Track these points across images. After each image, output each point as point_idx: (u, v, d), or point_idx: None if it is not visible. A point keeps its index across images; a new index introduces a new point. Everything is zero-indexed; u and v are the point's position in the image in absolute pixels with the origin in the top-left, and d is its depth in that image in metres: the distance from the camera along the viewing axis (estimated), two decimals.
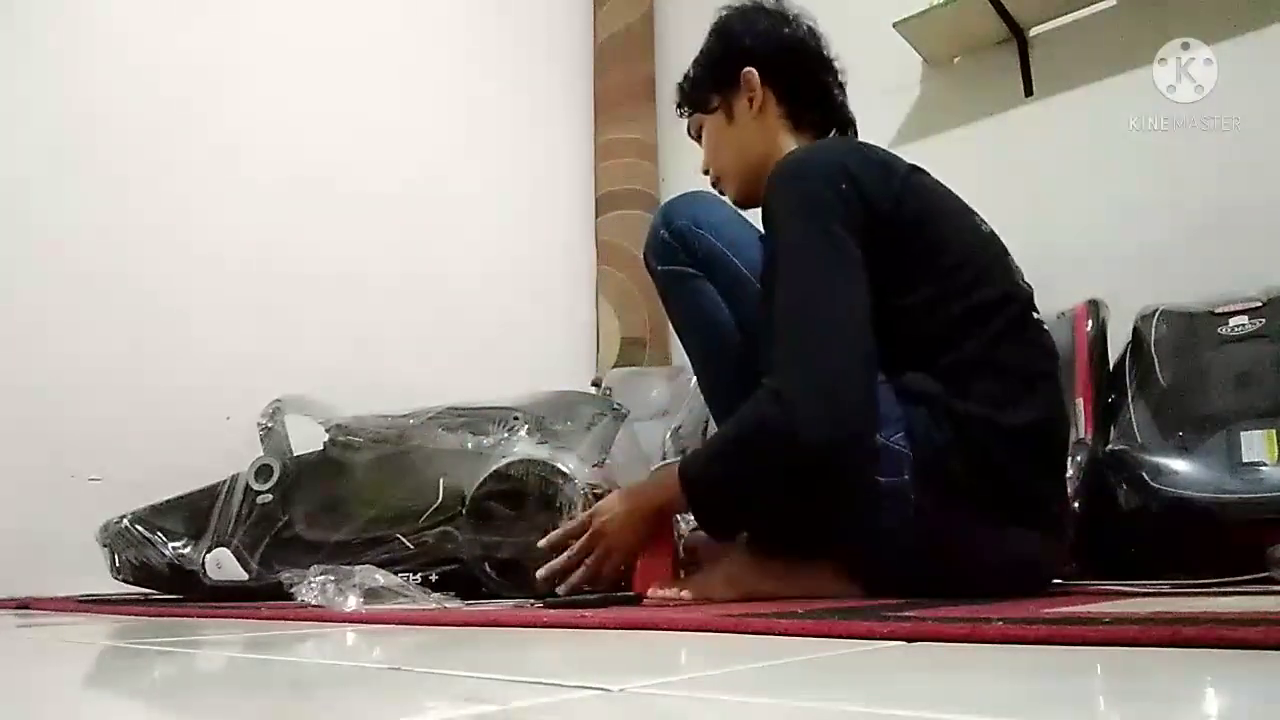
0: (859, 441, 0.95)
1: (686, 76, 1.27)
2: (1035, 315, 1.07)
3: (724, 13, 1.25)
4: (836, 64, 1.24)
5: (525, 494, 1.37)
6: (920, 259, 1.01)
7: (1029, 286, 1.09)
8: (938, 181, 1.11)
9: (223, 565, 1.50)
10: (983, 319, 1.00)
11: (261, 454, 1.57)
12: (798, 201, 1.02)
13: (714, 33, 1.25)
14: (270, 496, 1.53)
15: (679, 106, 1.29)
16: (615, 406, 1.59)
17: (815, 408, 0.93)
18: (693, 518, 1.11)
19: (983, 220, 1.11)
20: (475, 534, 1.38)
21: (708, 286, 1.07)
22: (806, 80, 1.21)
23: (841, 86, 1.24)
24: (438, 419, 1.53)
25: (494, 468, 1.39)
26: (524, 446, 1.42)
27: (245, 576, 1.49)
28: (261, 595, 1.44)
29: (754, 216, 1.14)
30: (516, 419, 1.48)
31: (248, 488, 1.55)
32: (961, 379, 0.97)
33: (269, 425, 1.61)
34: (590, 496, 1.31)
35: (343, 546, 1.44)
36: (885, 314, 0.99)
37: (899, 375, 0.99)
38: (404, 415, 1.56)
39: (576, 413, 1.52)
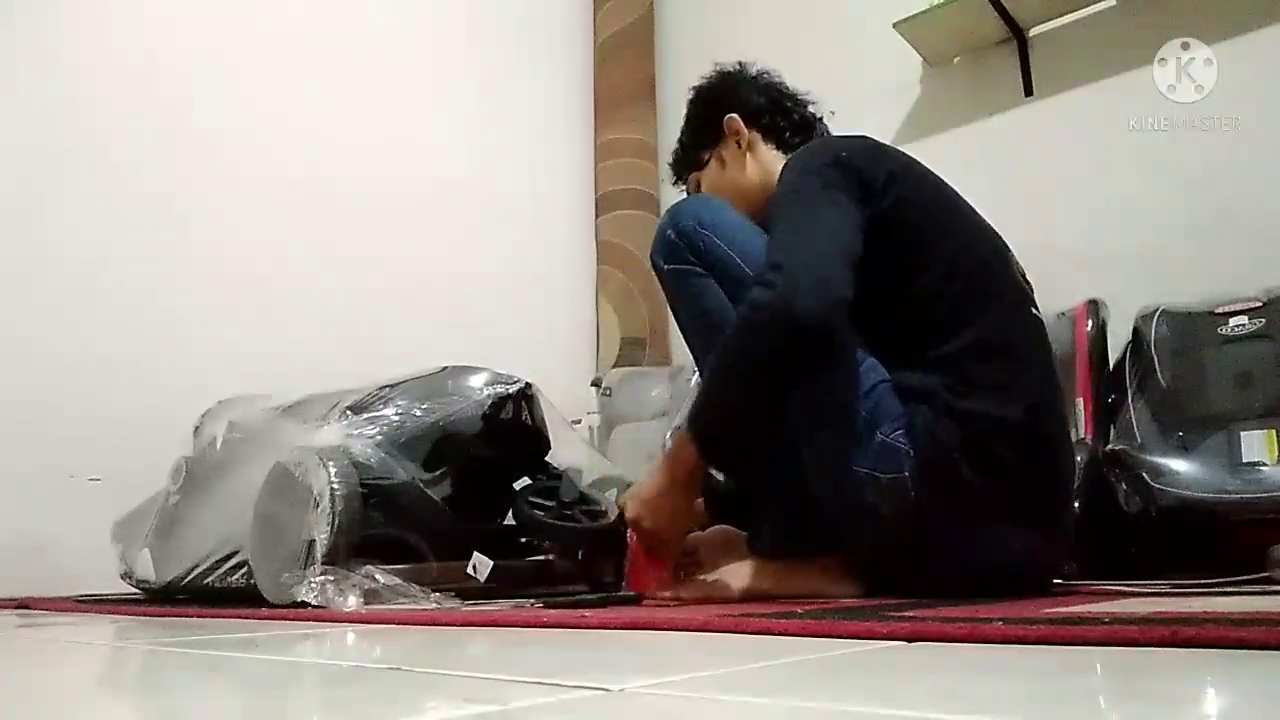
0: (843, 309, 0.97)
1: (676, 147, 1.35)
2: (1034, 311, 1.08)
3: (695, 85, 1.34)
4: (809, 99, 1.32)
5: (295, 489, 1.23)
6: (916, 246, 1.04)
7: (1030, 285, 1.10)
8: (937, 177, 1.13)
9: (144, 565, 1.49)
10: (980, 305, 1.02)
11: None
12: (795, 175, 1.09)
13: (692, 102, 1.34)
14: (178, 497, 1.53)
15: (677, 178, 1.36)
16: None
17: (805, 277, 0.97)
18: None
19: (984, 220, 1.12)
20: (258, 534, 1.27)
21: (713, 285, 1.09)
22: (785, 114, 1.29)
23: (819, 118, 1.32)
24: (294, 409, 1.48)
25: (276, 459, 1.29)
26: (322, 436, 1.30)
27: (152, 578, 1.47)
28: (171, 597, 1.43)
29: None
30: (336, 405, 1.38)
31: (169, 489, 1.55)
32: (959, 368, 0.98)
33: (198, 424, 1.61)
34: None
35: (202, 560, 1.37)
36: (882, 303, 1.01)
37: (898, 368, 1.01)
38: (291, 403, 1.51)
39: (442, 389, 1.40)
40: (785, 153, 1.25)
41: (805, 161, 1.10)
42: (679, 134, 1.35)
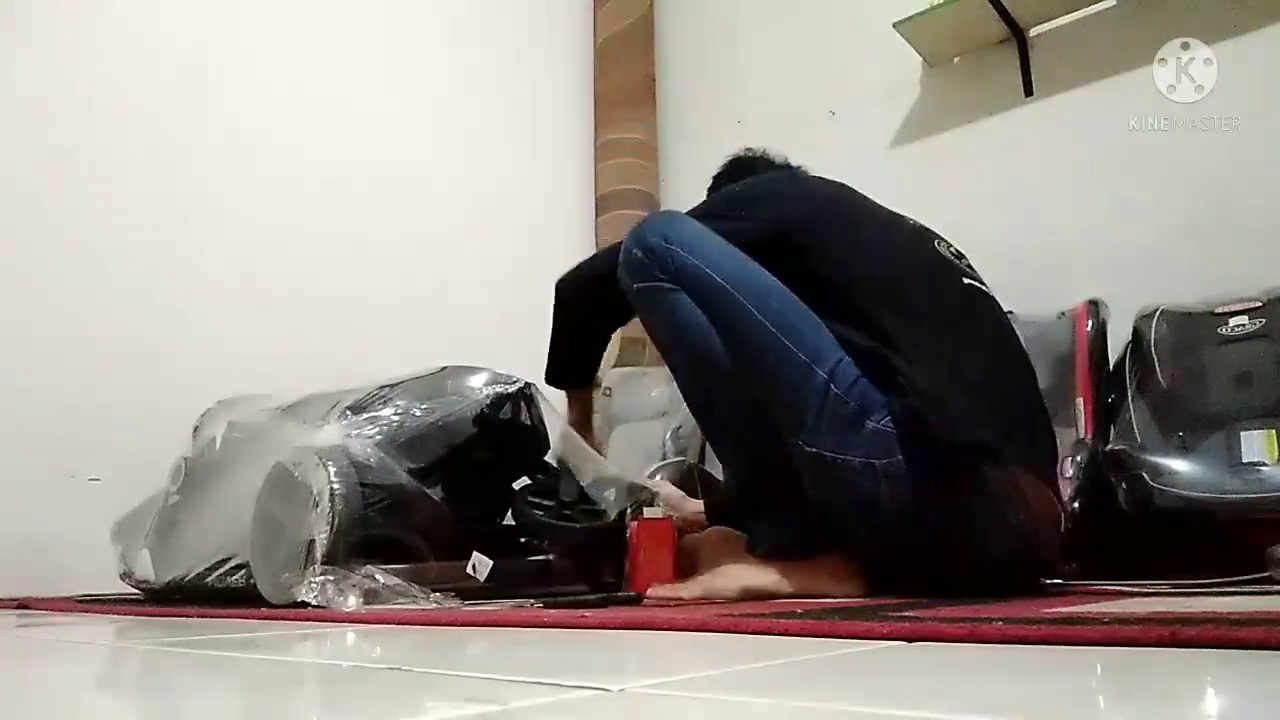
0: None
1: None
2: (967, 281, 1.12)
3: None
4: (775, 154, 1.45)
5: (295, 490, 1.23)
6: (836, 245, 1.11)
7: (957, 253, 1.16)
8: (848, 203, 1.21)
9: (143, 566, 1.49)
10: (904, 280, 1.08)
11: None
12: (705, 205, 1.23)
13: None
14: (178, 497, 1.53)
15: None
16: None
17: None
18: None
19: (903, 217, 1.19)
20: (258, 534, 1.27)
21: (684, 298, 1.08)
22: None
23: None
24: (294, 409, 1.47)
25: (276, 459, 1.28)
26: (322, 436, 1.31)
27: (152, 579, 1.47)
28: (170, 597, 1.43)
29: None
30: (336, 405, 1.38)
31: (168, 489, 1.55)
32: (908, 343, 1.00)
33: (197, 424, 1.60)
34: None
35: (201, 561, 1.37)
36: (822, 292, 1.06)
37: (860, 354, 1.02)
38: (290, 403, 1.51)
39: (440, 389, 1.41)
40: None
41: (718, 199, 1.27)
42: None
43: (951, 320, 1.07)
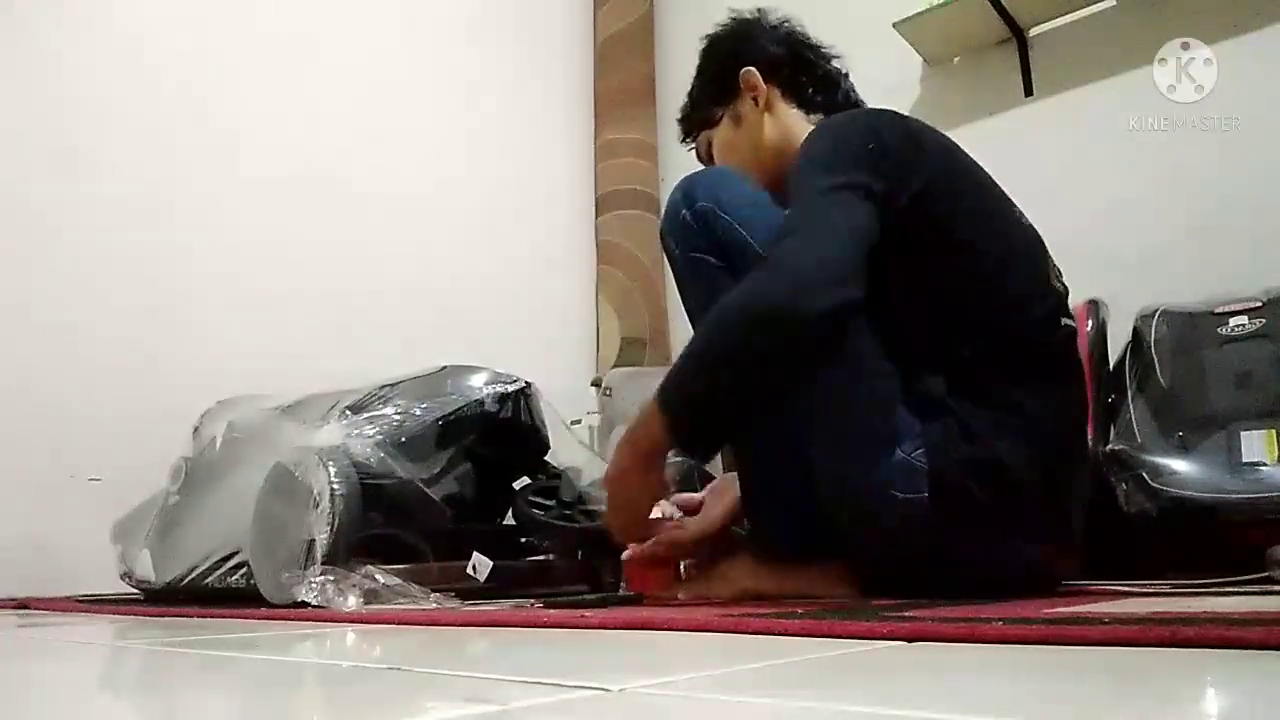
0: (854, 309, 0.91)
1: (685, 103, 1.25)
2: (1065, 321, 1.02)
3: (708, 34, 1.24)
4: (833, 52, 1.23)
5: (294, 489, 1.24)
6: (938, 244, 0.97)
7: (1064, 287, 1.05)
8: (974, 163, 1.07)
9: (144, 566, 1.49)
10: (1002, 309, 0.96)
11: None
12: (821, 148, 1.00)
13: (704, 51, 1.24)
14: (178, 497, 1.53)
15: (684, 135, 1.26)
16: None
17: (818, 273, 0.90)
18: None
19: (1022, 213, 1.07)
20: (258, 534, 1.26)
21: (728, 280, 1.02)
22: (808, 68, 1.20)
23: (845, 74, 1.23)
24: (294, 409, 1.47)
25: (276, 459, 1.28)
26: (322, 436, 1.30)
27: (152, 579, 1.47)
28: (171, 597, 1.43)
29: None
30: (336, 405, 1.37)
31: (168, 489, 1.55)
32: (979, 382, 0.94)
33: (197, 424, 1.61)
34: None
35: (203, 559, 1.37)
36: (901, 299, 0.96)
37: (911, 371, 0.96)
38: (290, 403, 1.50)
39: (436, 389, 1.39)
40: (807, 112, 1.18)
41: (835, 135, 1.01)
42: (689, 87, 1.24)
43: (1046, 371, 0.97)
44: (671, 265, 1.11)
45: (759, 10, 1.23)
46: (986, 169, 1.10)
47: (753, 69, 1.17)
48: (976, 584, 0.93)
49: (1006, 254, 1.00)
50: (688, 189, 1.07)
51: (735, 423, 0.99)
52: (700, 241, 1.05)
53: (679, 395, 0.96)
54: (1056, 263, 1.08)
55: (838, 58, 1.23)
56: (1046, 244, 1.07)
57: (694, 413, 0.97)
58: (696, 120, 1.23)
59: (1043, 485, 0.95)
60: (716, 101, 1.20)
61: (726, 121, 1.20)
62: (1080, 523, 1.03)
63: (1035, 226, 1.07)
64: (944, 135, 1.06)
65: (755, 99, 1.18)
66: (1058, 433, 0.97)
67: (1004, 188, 1.09)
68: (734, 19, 1.23)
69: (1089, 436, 1.06)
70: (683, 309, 1.14)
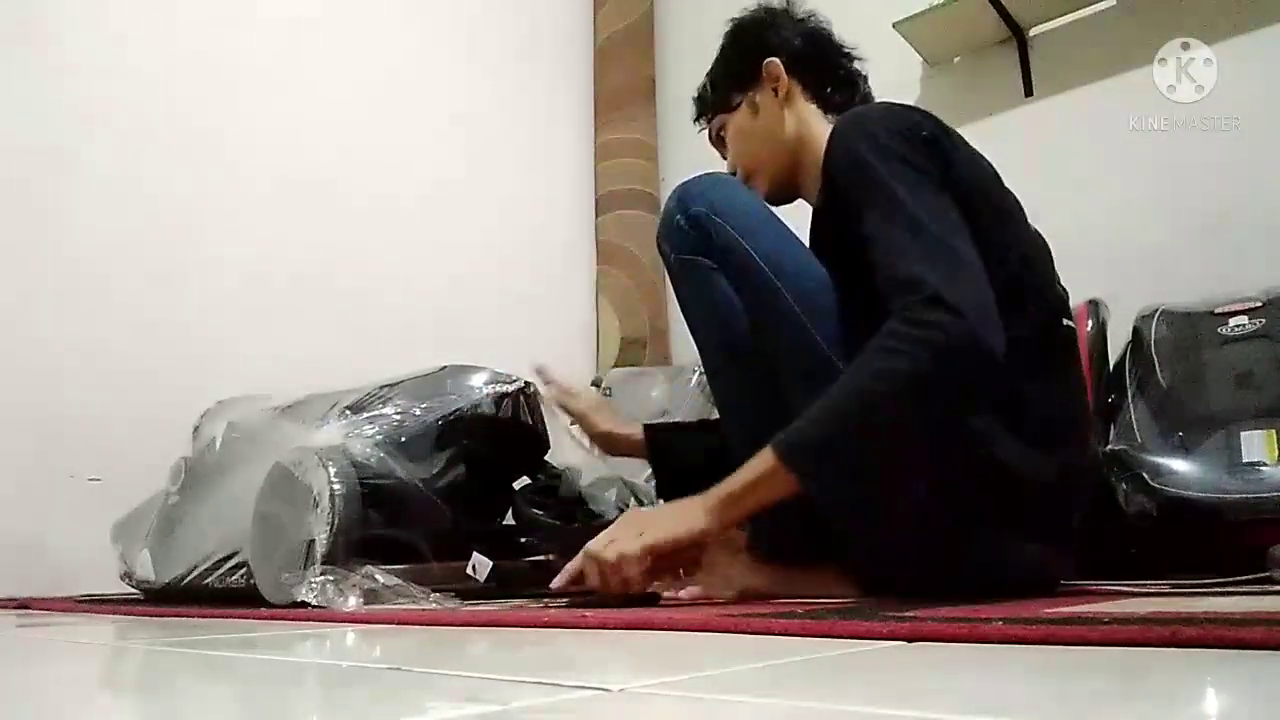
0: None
1: (704, 84, 1.25)
2: (1066, 322, 1.02)
3: (736, 17, 1.24)
4: (856, 53, 1.23)
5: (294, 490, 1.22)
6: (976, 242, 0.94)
7: (1064, 289, 1.05)
8: (987, 161, 1.07)
9: (144, 566, 1.49)
10: (1012, 312, 0.92)
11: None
12: (871, 149, 0.95)
13: (729, 35, 1.23)
14: (178, 498, 1.53)
15: (699, 114, 1.25)
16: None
17: (981, 310, 0.86)
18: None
19: (1025, 215, 1.07)
20: (258, 534, 1.26)
21: (721, 281, 1.04)
22: (830, 67, 1.20)
23: (864, 77, 1.23)
24: (293, 409, 1.47)
25: (276, 459, 1.27)
26: (322, 436, 1.29)
27: (152, 579, 1.47)
28: (171, 598, 1.43)
29: (780, 211, 1.12)
30: (336, 405, 1.37)
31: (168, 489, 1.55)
32: (997, 405, 0.92)
33: (197, 424, 1.61)
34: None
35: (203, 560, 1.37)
36: None
37: None
38: (290, 403, 1.50)
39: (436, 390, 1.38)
40: (825, 110, 1.17)
41: (879, 132, 0.96)
42: (709, 68, 1.23)
43: (1047, 371, 0.97)
44: (667, 269, 1.12)
45: (788, 1, 1.22)
46: None
47: (776, 60, 1.17)
48: (976, 584, 0.93)
49: (1027, 254, 1.00)
50: (682, 195, 1.08)
51: (894, 468, 0.93)
52: (695, 244, 1.05)
53: (823, 436, 0.89)
54: (1056, 263, 1.08)
55: (860, 59, 1.23)
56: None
57: (855, 455, 0.89)
58: (713, 102, 1.23)
59: (1043, 485, 0.95)
60: (737, 87, 1.20)
61: (744, 108, 1.19)
62: (1080, 523, 1.03)
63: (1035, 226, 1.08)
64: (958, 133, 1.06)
65: (776, 90, 1.17)
66: (1058, 433, 0.97)
67: (1008, 186, 1.10)
68: (762, 6, 1.22)
69: (1089, 437, 1.05)
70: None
